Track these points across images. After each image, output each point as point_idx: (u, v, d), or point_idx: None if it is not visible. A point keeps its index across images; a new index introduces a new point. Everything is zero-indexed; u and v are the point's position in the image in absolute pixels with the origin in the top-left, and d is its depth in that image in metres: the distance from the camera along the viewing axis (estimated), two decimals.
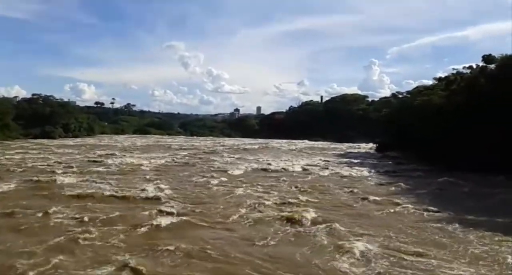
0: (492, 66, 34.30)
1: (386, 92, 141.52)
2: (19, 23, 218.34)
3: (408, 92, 56.96)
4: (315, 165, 34.01)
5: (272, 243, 12.05)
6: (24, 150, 43.74)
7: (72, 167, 28.09)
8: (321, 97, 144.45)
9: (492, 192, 20.97)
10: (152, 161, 33.79)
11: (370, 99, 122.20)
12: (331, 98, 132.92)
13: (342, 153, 51.61)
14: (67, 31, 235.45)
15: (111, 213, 14.72)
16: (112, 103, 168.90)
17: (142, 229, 13.01)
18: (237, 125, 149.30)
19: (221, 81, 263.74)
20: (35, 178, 22.18)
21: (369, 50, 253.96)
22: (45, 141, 60.96)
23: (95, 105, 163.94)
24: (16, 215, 14.34)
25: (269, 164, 33.83)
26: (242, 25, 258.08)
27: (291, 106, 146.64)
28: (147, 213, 15.07)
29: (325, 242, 12.08)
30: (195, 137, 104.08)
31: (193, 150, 51.29)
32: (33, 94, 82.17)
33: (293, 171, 29.49)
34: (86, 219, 13.79)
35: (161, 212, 15.24)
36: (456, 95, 32.99)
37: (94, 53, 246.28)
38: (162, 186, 20.90)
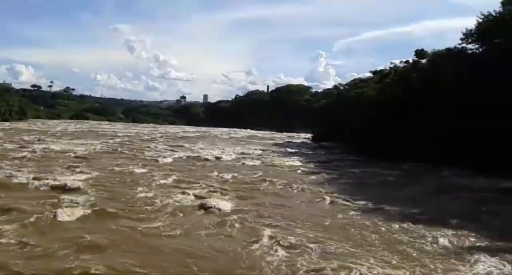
0: (424, 61, 35.68)
1: (331, 84, 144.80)
2: None
3: (346, 84, 58.44)
4: (249, 154, 34.03)
5: (184, 232, 11.78)
6: None
7: None
8: (267, 87, 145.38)
9: (413, 181, 21.91)
10: (80, 147, 32.28)
11: (315, 90, 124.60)
12: (276, 88, 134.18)
13: (280, 142, 52.11)
14: (3, 8, 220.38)
15: (14, 203, 13.70)
16: (50, 86, 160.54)
17: (43, 219, 12.17)
18: (182, 113, 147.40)
19: (168, 67, 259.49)
20: None
21: (317, 42, 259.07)
22: None
23: (31, 88, 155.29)
24: None
25: (203, 152, 33.37)
26: (193, 11, 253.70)
27: (237, 95, 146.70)
28: (55, 200, 14.25)
29: (234, 232, 11.95)
30: (136, 124, 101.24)
31: (128, 137, 49.64)
32: None
33: (225, 160, 29.28)
34: None
35: (71, 202, 14.41)
36: (390, 88, 34.09)
37: (33, 33, 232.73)
38: (82, 174, 19.87)
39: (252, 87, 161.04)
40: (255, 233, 11.65)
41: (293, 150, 39.60)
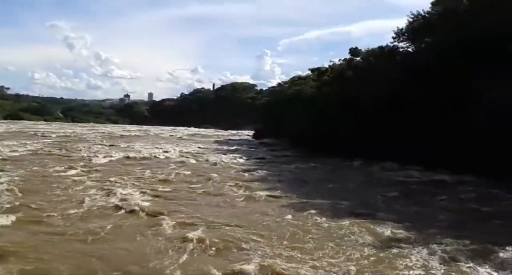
0: (358, 58, 36.75)
1: (276, 82, 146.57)
2: None
3: (285, 82, 59.18)
4: (188, 152, 33.65)
5: (102, 237, 11.25)
6: None
7: None
8: (213, 85, 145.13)
9: (342, 176, 22.48)
10: (5, 149, 30.39)
11: (260, 88, 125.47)
12: (222, 86, 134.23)
13: (222, 140, 51.96)
14: None
15: None
16: None
17: None
18: (126, 111, 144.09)
19: (111, 65, 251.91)
20: None
21: (262, 41, 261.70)
22: None
23: None
24: None
25: (140, 152, 32.54)
26: (134, 7, 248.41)
27: (182, 93, 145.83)
28: None
29: (156, 234, 11.59)
30: (75, 124, 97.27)
31: (62, 137, 47.56)
32: None
33: (162, 158, 28.80)
34: None
35: None
36: (326, 85, 34.81)
37: None
38: (1, 178, 18.69)
39: (198, 86, 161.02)
40: (176, 235, 11.33)
41: (232, 147, 39.58)
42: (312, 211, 14.27)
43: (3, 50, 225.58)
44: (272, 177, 22.30)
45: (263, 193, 17.39)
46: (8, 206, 13.96)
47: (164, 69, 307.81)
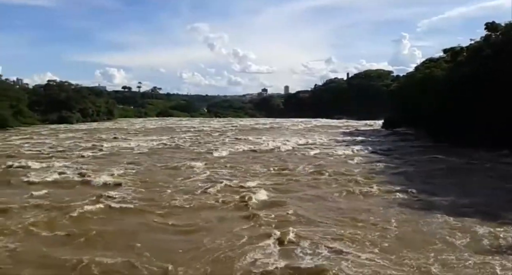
0: (497, 34, 31.53)
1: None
2: (45, 11, 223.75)
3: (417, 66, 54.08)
4: (311, 144, 32.91)
5: (207, 227, 11.54)
6: (32, 135, 44.44)
7: (59, 152, 28.08)
8: (347, 74, 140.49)
9: (480, 171, 19.41)
10: (146, 144, 33.54)
11: (398, 74, 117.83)
12: (355, 75, 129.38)
13: (350, 130, 50.03)
14: (92, 17, 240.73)
15: (57, 200, 14.28)
16: (139, 87, 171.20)
17: (73, 214, 12.50)
18: (262, 105, 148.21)
19: (248, 61, 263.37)
20: (11, 163, 22.13)
21: (398, 24, 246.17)
22: (61, 126, 62.00)
23: (123, 90, 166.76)
24: None
25: (265, 144, 32.95)
26: (266, 3, 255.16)
27: (316, 84, 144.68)
28: (93, 198, 14.50)
29: (261, 229, 11.34)
30: (215, 118, 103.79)
31: (199, 131, 50.88)
32: (49, 81, 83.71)
33: (285, 151, 28.60)
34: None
35: (108, 198, 14.69)
36: (460, 67, 30.64)
37: (121, 38, 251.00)
38: (130, 170, 20.46)
39: (333, 76, 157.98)
40: (279, 231, 10.80)
41: (359, 138, 37.75)
42: (434, 211, 12.45)
43: (155, 54, 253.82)
44: (394, 169, 20.45)
45: (377, 188, 16.06)
46: (126, 195, 15.07)
47: (298, 61, 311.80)
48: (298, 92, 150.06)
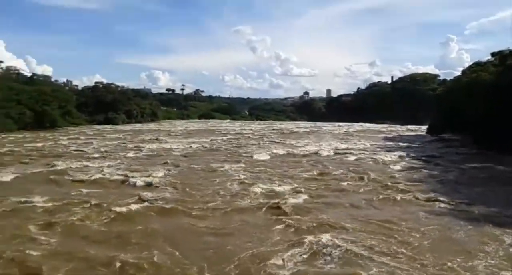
0: None
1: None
2: (97, 15, 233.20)
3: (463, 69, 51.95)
4: (353, 149, 32.28)
5: (238, 231, 11.56)
6: (79, 135, 46.30)
7: (103, 152, 29.04)
8: (392, 77, 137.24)
9: None
10: (186, 146, 34.10)
11: (445, 78, 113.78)
12: (399, 78, 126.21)
13: (393, 136, 48.75)
14: (141, 21, 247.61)
15: (99, 198, 14.82)
16: (182, 89, 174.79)
17: (113, 213, 12.92)
18: (304, 109, 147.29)
19: (290, 64, 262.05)
20: (58, 162, 23.07)
21: (445, 26, 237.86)
22: (107, 127, 64.25)
23: (167, 92, 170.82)
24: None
25: (304, 148, 32.78)
26: (309, 5, 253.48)
27: (359, 88, 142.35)
28: (133, 198, 14.92)
29: (294, 233, 11.28)
30: (256, 121, 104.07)
31: (238, 134, 51.20)
32: (96, 82, 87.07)
33: (322, 155, 28.23)
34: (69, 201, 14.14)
35: (146, 198, 15.04)
36: (510, 70, 29.10)
37: (166, 41, 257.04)
38: (169, 171, 20.87)
39: (376, 79, 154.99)
40: (312, 236, 10.70)
41: (401, 144, 36.67)
42: (476, 222, 11.90)
43: (199, 57, 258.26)
44: (436, 177, 19.76)
45: (418, 195, 15.66)
46: (163, 196, 15.34)
47: (341, 64, 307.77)
48: (341, 95, 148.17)
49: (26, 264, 9.13)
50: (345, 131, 56.78)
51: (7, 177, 18.93)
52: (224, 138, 44.45)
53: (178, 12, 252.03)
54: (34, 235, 10.90)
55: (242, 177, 19.53)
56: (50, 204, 13.96)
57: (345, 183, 18.26)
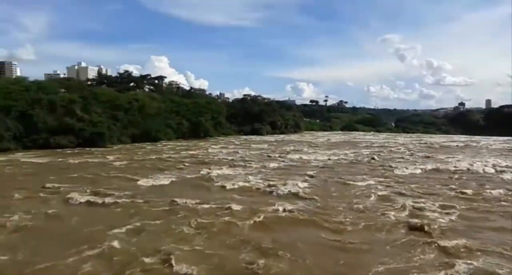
0: None
1: None
2: (246, 31, 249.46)
3: None
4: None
5: (374, 250, 11.11)
6: (228, 144, 49.92)
7: (248, 161, 30.75)
8: None
9: None
10: (326, 157, 34.13)
11: None
12: None
13: None
14: (287, 35, 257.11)
15: (240, 204, 15.72)
16: (325, 101, 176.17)
17: (251, 221, 13.51)
18: (458, 121, 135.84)
19: (443, 72, 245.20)
20: (208, 169, 25.20)
21: None
22: (252, 137, 67.94)
23: (310, 103, 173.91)
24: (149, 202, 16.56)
25: (454, 163, 30.37)
26: (464, 9, 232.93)
27: None
28: (270, 207, 15.45)
29: (436, 257, 10.49)
30: (402, 134, 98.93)
31: (381, 147, 49.30)
32: (244, 95, 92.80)
33: (476, 173, 25.66)
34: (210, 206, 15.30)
35: (283, 207, 15.40)
36: None
37: (311, 53, 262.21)
38: (307, 183, 21.11)
39: None
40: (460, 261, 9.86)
41: None
42: None
43: (343, 68, 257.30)
44: None
45: None
46: (299, 207, 15.60)
47: (503, 72, 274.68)
48: (502, 106, 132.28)
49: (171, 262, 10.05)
50: (508, 147, 50.38)
51: (167, 181, 21.48)
52: (367, 151, 43.22)
53: (323, 24, 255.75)
54: (183, 234, 12.05)
55: (381, 192, 18.73)
56: (199, 207, 15.29)
57: (504, 205, 16.25)
